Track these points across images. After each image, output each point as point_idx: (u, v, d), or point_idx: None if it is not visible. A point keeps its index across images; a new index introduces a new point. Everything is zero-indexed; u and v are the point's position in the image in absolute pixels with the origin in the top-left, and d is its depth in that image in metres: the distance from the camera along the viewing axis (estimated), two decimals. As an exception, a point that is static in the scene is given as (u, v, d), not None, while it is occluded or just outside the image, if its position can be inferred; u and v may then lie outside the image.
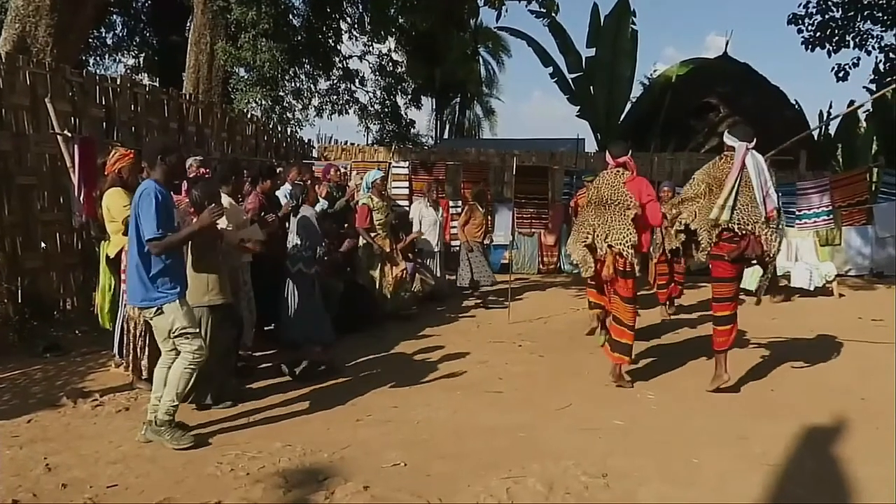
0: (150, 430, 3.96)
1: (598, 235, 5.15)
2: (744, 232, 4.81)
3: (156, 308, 3.91)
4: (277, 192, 6.85)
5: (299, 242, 6.14)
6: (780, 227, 4.93)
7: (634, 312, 5.26)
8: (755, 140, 4.92)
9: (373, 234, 7.58)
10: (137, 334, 4.84)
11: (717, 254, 4.95)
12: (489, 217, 11.64)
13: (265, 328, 6.38)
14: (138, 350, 4.89)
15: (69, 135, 6.17)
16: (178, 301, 3.94)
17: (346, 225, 7.82)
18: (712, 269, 5.11)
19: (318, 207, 6.75)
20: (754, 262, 5.04)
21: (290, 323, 6.19)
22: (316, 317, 6.20)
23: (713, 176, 4.97)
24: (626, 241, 5.01)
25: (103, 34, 19.34)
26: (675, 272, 8.07)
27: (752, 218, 4.79)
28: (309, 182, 7.30)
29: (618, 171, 5.24)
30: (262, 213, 5.91)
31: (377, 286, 7.54)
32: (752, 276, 8.57)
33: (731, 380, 5.04)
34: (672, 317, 7.95)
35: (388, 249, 7.64)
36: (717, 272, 5.06)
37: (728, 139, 5.00)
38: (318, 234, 6.27)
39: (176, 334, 3.95)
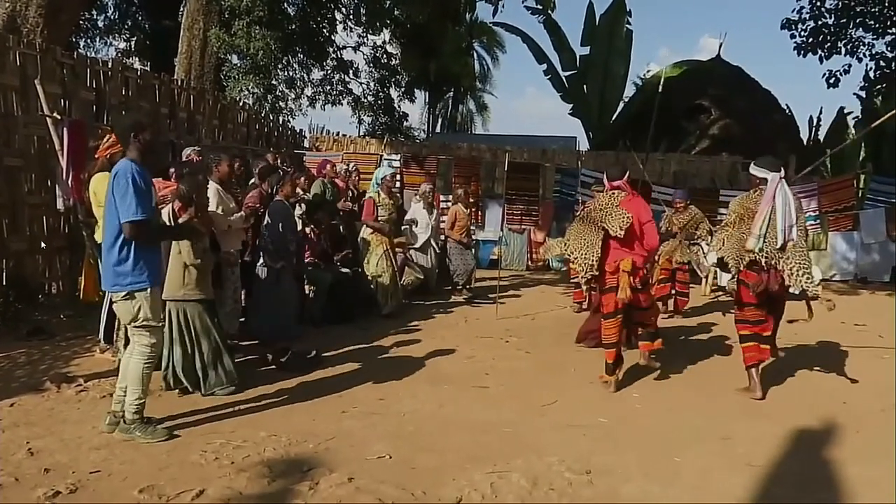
0: (119, 429, 3.86)
1: (586, 259, 5.08)
2: (767, 264, 4.87)
3: (125, 293, 3.79)
4: None
5: (268, 233, 6.12)
6: (805, 259, 4.91)
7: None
8: (783, 171, 4.98)
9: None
10: (125, 319, 4.81)
11: (743, 280, 5.04)
12: (479, 213, 11.69)
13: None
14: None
15: (58, 117, 6.10)
16: (149, 290, 3.83)
17: (337, 220, 7.76)
18: (737, 294, 5.20)
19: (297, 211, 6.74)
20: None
21: (255, 316, 6.22)
22: (278, 312, 6.16)
23: (745, 207, 5.03)
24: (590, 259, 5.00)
25: (94, 16, 19.16)
26: (677, 280, 8.11)
27: (774, 250, 4.86)
28: (291, 171, 7.26)
29: (613, 193, 5.20)
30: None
31: (374, 282, 7.51)
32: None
33: (762, 395, 5.00)
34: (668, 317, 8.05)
35: (389, 246, 7.64)
36: (741, 297, 5.14)
37: (757, 171, 5.03)
38: (289, 226, 6.25)
39: (138, 324, 3.83)
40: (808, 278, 4.84)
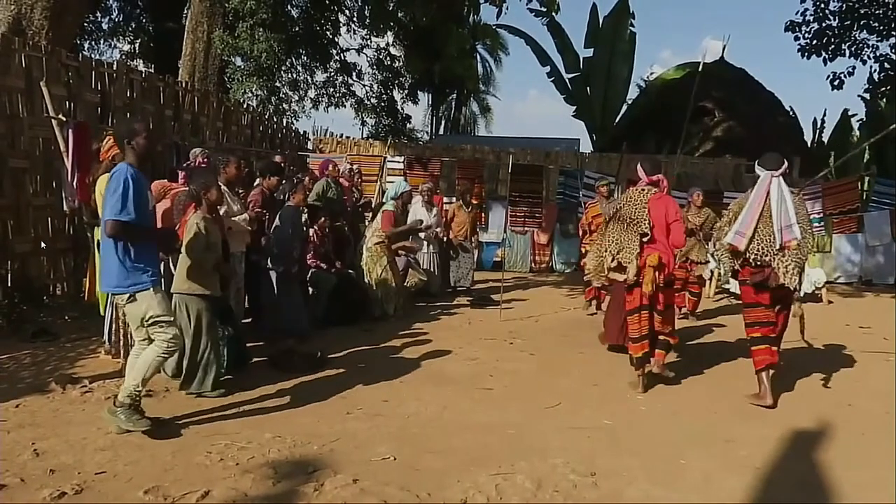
0: (107, 409, 3.88)
1: (608, 252, 5.10)
2: (759, 263, 4.83)
3: (128, 295, 3.83)
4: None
5: (276, 237, 6.14)
6: (802, 258, 4.82)
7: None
8: (784, 167, 4.89)
9: (382, 243, 7.54)
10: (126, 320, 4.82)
11: (745, 279, 5.01)
12: (482, 215, 11.69)
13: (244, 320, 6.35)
14: (128, 336, 4.87)
15: (64, 119, 6.13)
16: (151, 288, 3.86)
17: (342, 221, 7.76)
18: (742, 295, 5.17)
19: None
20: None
21: (266, 314, 6.26)
22: (290, 309, 6.18)
23: (741, 205, 4.98)
24: (632, 259, 4.98)
25: (99, 18, 19.24)
26: (689, 281, 8.03)
27: (770, 249, 4.78)
28: (305, 179, 7.28)
29: (643, 190, 5.13)
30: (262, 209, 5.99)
31: (379, 289, 7.49)
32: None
33: (772, 403, 4.84)
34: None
35: (393, 258, 7.68)
36: (746, 298, 5.09)
37: (756, 169, 5.00)
38: (297, 233, 6.28)
39: (149, 322, 3.87)
40: (798, 278, 4.77)
